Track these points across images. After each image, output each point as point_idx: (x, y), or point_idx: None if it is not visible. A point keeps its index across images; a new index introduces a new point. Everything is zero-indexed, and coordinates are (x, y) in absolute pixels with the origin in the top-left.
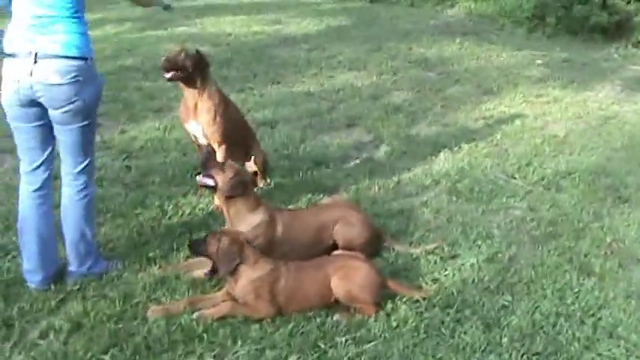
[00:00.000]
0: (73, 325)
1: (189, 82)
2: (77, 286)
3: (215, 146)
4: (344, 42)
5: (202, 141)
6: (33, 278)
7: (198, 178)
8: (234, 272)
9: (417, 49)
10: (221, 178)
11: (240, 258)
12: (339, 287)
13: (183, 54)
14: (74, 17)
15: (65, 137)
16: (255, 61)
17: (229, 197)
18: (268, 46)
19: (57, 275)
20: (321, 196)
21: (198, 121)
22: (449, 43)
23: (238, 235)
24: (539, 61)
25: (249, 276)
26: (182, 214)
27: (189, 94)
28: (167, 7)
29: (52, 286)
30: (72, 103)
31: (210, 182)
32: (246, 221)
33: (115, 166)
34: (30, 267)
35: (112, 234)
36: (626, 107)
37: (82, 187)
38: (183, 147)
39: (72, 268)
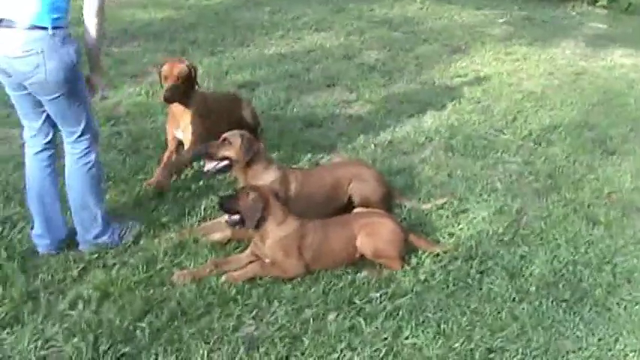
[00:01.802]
0: (101, 293)
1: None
2: (95, 255)
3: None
4: (305, 3)
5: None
6: (40, 242)
7: (208, 167)
8: (259, 226)
9: (378, 9)
10: (233, 151)
11: (266, 212)
12: (365, 244)
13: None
14: None
15: (48, 107)
16: (219, 24)
17: (249, 162)
18: (231, 9)
19: (64, 241)
20: (321, 155)
21: (184, 129)
22: (410, 3)
23: (267, 190)
24: (501, 20)
25: (277, 234)
26: (185, 177)
27: (177, 106)
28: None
29: (70, 256)
30: (33, 76)
31: (223, 163)
32: (261, 180)
33: (105, 132)
34: (38, 231)
35: (117, 201)
36: (593, 63)
37: (82, 154)
38: None
39: (78, 236)
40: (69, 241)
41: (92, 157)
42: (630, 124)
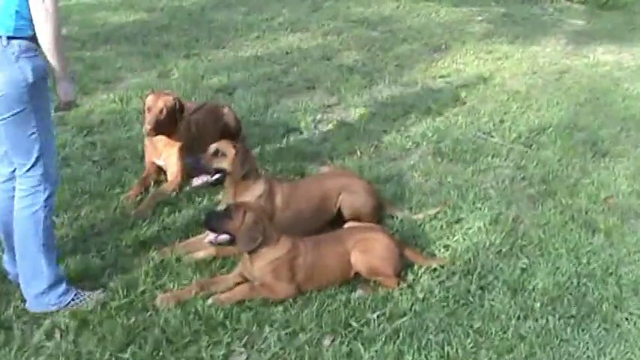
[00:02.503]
0: (79, 322)
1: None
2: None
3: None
4: (280, 2)
5: None
6: (10, 270)
7: (198, 182)
8: (254, 251)
9: (355, 8)
10: (227, 162)
11: (264, 237)
12: (360, 261)
13: (164, 110)
14: None
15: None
16: (193, 25)
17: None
18: (204, 10)
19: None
20: (305, 163)
21: (165, 159)
22: (386, 1)
23: (262, 211)
24: (479, 17)
25: (268, 256)
26: None
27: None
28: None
29: None
30: None
31: (216, 176)
32: (250, 193)
33: (78, 143)
34: (6, 258)
35: (93, 217)
36: (576, 61)
37: (28, 193)
38: None
39: (22, 290)
40: None
41: (40, 198)
42: (620, 124)
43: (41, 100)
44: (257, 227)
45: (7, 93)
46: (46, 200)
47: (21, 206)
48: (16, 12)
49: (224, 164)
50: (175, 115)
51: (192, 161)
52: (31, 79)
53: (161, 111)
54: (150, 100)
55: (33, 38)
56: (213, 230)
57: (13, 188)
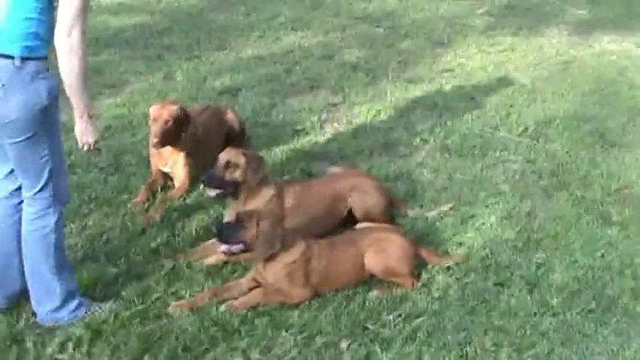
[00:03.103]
0: (93, 332)
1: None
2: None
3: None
4: (280, 1)
5: None
6: None
7: (210, 193)
8: (272, 258)
9: (357, 4)
10: (239, 173)
11: (282, 243)
12: (375, 262)
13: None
14: None
15: (8, 152)
16: (194, 27)
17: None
18: (204, 11)
19: (19, 297)
20: (314, 164)
21: (172, 166)
22: None
23: (275, 217)
24: (480, 10)
25: (281, 260)
26: None
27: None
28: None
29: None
30: None
31: (229, 189)
32: (260, 197)
33: (83, 150)
34: None
35: (102, 225)
36: (582, 51)
37: (37, 215)
38: None
39: (33, 306)
40: None
41: (50, 220)
42: (626, 114)
43: (53, 121)
44: (274, 234)
45: (19, 117)
46: (56, 222)
47: (31, 228)
48: (34, 33)
49: (236, 175)
50: (181, 125)
51: (206, 177)
52: (46, 102)
53: (166, 122)
54: (154, 110)
55: (46, 58)
56: (226, 242)
57: (14, 206)
